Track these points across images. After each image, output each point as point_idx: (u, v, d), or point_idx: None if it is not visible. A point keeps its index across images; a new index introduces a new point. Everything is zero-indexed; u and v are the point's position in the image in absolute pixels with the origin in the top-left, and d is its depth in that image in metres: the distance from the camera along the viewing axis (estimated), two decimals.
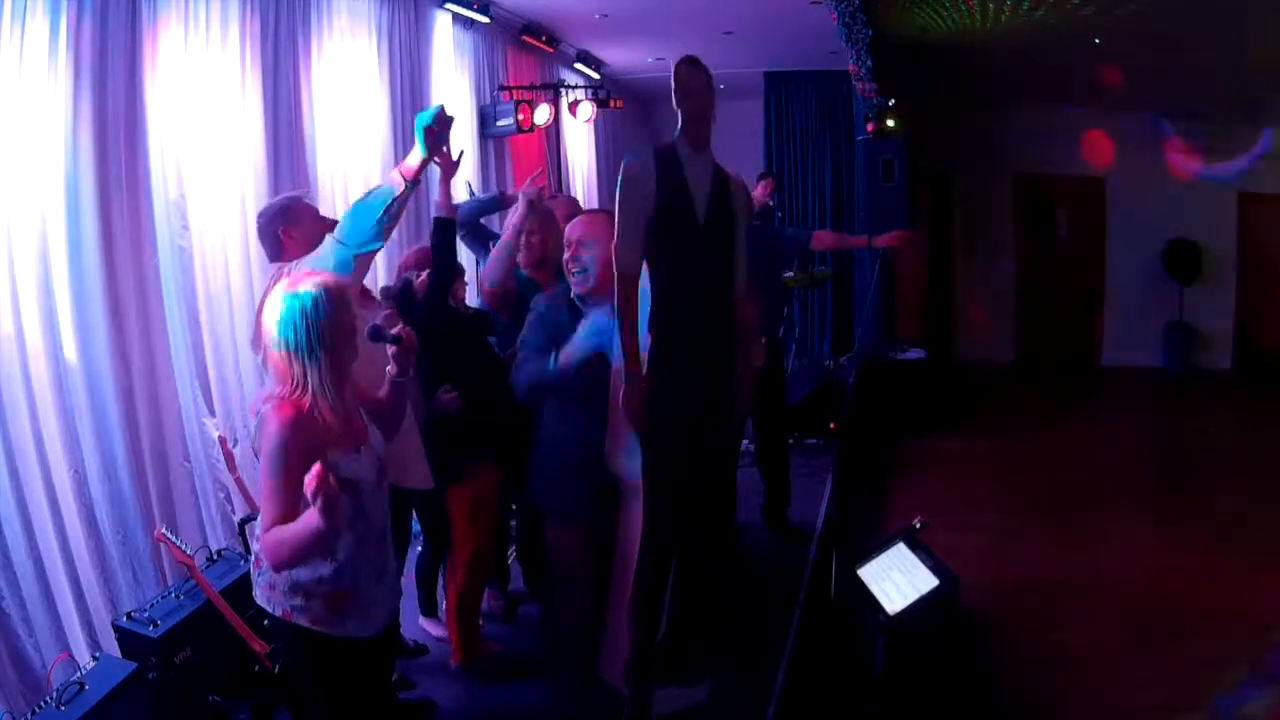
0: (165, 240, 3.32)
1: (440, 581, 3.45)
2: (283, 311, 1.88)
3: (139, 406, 3.14)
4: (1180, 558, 4.42)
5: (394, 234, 4.53)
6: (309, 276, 1.97)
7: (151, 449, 3.19)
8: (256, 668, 2.68)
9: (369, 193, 2.45)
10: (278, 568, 1.90)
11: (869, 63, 5.90)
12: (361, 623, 2.03)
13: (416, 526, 3.77)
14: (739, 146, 8.34)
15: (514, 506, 3.76)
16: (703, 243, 2.60)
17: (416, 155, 2.39)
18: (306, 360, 1.87)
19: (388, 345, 2.09)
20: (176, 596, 2.81)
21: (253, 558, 2.06)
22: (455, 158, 2.79)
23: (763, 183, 5.67)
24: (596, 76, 8.12)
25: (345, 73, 4.42)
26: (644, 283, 2.59)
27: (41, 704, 2.36)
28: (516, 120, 5.88)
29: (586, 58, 7.79)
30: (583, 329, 2.59)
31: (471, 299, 3.65)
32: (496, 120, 5.99)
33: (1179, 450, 6.42)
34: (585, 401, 2.64)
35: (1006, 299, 9.12)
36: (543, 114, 6.23)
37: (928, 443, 6.38)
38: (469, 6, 5.49)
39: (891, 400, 6.72)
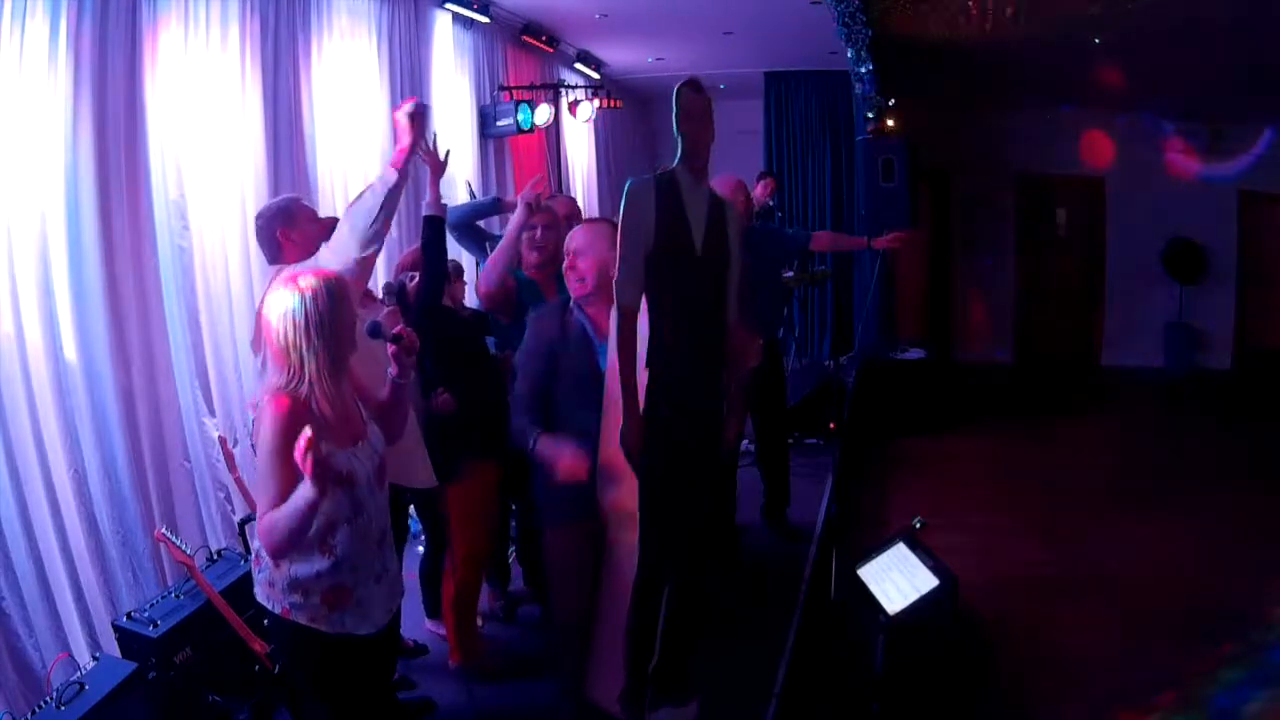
0: (165, 240, 3.32)
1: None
2: (282, 302, 1.91)
3: (139, 406, 3.14)
4: (1180, 558, 4.41)
5: (395, 235, 4.59)
6: (310, 270, 1.99)
7: (151, 449, 3.20)
8: (256, 668, 2.68)
9: (358, 198, 2.53)
10: (275, 554, 1.90)
11: (869, 63, 5.90)
12: (360, 621, 2.04)
13: (416, 527, 3.78)
14: (739, 146, 8.36)
15: (514, 506, 3.77)
16: (700, 272, 2.63)
17: (401, 144, 2.52)
18: (304, 351, 1.90)
19: (388, 345, 2.09)
20: (176, 596, 2.82)
21: (253, 556, 2.07)
22: (442, 157, 2.91)
23: (763, 183, 5.68)
24: (596, 76, 8.13)
25: (345, 73, 4.42)
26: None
27: (41, 704, 2.37)
28: (516, 120, 5.89)
29: (586, 58, 7.79)
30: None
31: (471, 300, 3.66)
32: (496, 120, 6.00)
33: (1179, 450, 6.41)
34: (581, 413, 2.66)
35: (1006, 299, 9.12)
36: (543, 114, 6.23)
37: (928, 443, 6.37)
38: (469, 6, 5.49)
39: (891, 400, 6.71)
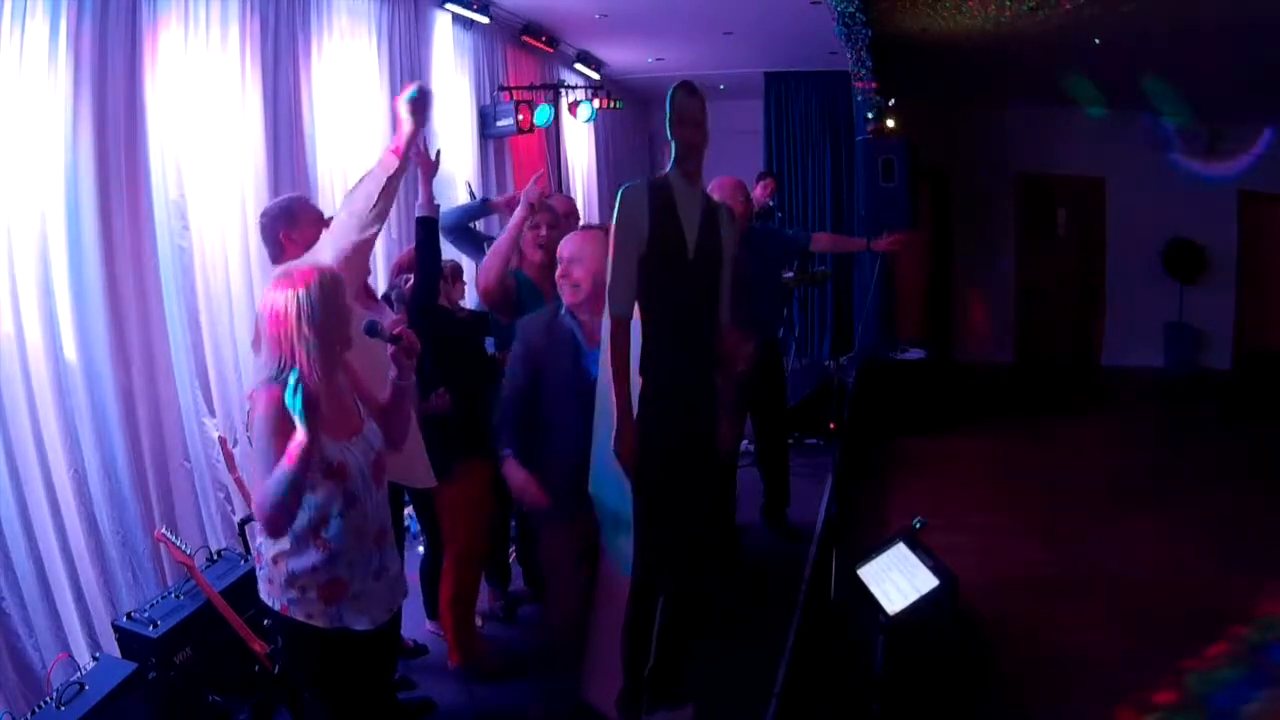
0: (165, 240, 3.32)
1: None
2: (276, 294, 1.93)
3: (139, 406, 3.14)
4: (1180, 558, 4.42)
5: (394, 236, 4.59)
6: (305, 264, 2.01)
7: (151, 449, 3.19)
8: (256, 668, 2.68)
9: (358, 184, 2.52)
10: (268, 526, 1.90)
11: (869, 63, 5.90)
12: (357, 615, 2.04)
13: (415, 527, 3.78)
14: (739, 146, 8.35)
15: (514, 506, 3.76)
16: (692, 277, 2.63)
17: (403, 130, 2.47)
18: (295, 341, 1.91)
19: (387, 346, 2.09)
20: (176, 596, 2.81)
21: (254, 555, 2.07)
22: (433, 157, 2.90)
23: (763, 183, 5.65)
24: (596, 76, 8.12)
25: (345, 73, 4.42)
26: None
27: (41, 704, 2.36)
28: (516, 120, 5.89)
29: (586, 58, 7.79)
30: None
31: (471, 301, 3.65)
32: (496, 120, 6.00)
33: (1179, 450, 6.41)
34: (568, 419, 2.66)
35: (1006, 299, 9.12)
36: (543, 114, 6.23)
37: (928, 443, 6.38)
38: (469, 6, 5.49)
39: (891, 400, 6.71)
